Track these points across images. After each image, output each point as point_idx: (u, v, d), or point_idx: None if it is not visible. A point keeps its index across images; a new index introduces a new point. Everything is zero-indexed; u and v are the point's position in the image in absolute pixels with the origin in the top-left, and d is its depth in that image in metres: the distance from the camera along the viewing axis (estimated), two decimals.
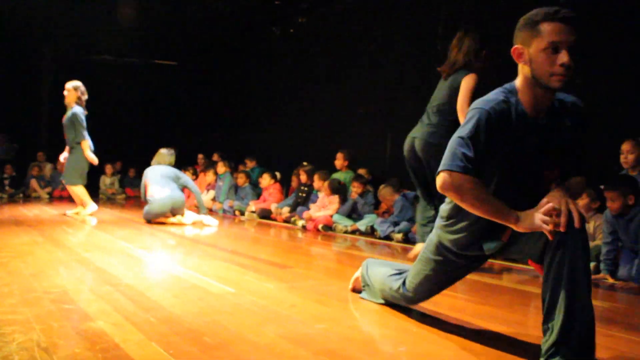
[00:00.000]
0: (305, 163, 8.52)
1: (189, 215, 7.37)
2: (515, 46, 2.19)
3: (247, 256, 4.84)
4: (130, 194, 12.26)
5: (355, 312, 3.00)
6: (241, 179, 9.22)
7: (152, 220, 7.16)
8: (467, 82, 4.32)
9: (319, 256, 5.53)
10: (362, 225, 6.87)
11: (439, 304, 3.33)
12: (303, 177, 8.27)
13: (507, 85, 2.25)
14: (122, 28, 10.93)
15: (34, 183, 11.36)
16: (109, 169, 12.01)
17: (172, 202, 7.16)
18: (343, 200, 7.28)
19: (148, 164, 7.66)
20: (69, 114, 7.65)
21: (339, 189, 7.40)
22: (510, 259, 4.98)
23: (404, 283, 2.80)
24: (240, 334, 2.47)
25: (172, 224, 7.17)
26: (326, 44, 9.34)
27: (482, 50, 4.37)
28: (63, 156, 7.95)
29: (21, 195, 11.19)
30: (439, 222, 2.57)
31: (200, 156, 11.95)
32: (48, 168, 11.74)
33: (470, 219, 2.35)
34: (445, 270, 2.61)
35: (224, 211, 9.15)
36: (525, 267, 5.03)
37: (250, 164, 10.15)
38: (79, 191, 7.70)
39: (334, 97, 9.07)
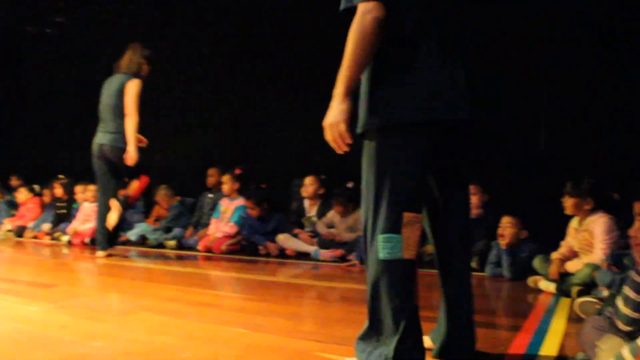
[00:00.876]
0: (61, 176, 7.79)
1: None
2: None
3: (4, 279, 4.33)
4: None
5: (134, 325, 2.87)
6: None
7: None
8: (135, 87, 5.04)
9: (88, 271, 5.16)
10: (132, 235, 6.58)
11: (219, 306, 3.35)
12: (59, 191, 7.60)
13: None
14: None
15: None
16: None
17: None
18: None
19: None
20: None
21: None
22: None
23: None
24: None
25: None
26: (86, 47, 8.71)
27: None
28: None
29: None
30: None
31: None
32: None
33: None
34: None
35: None
36: (299, 262, 5.30)
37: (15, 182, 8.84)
38: None
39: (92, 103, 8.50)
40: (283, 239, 5.65)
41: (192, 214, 6.68)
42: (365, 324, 2.05)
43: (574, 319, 2.95)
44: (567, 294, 3.45)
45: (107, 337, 2.59)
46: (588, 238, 3.64)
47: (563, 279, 3.57)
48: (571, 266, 3.64)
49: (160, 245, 6.30)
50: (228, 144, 7.06)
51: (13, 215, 7.98)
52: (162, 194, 6.83)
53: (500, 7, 5.02)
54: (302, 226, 5.87)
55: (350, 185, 5.69)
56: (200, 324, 2.84)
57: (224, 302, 3.36)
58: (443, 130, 1.99)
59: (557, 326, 2.79)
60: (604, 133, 4.83)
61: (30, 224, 7.54)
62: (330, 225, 5.62)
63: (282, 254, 5.61)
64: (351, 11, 1.89)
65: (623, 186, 4.31)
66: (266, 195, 5.96)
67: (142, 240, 6.51)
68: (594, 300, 2.90)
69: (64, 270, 5.18)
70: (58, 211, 7.50)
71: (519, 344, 2.45)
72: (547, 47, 5.13)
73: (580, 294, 3.27)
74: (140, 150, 5.07)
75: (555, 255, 3.79)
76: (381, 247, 1.95)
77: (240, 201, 6.09)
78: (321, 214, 5.80)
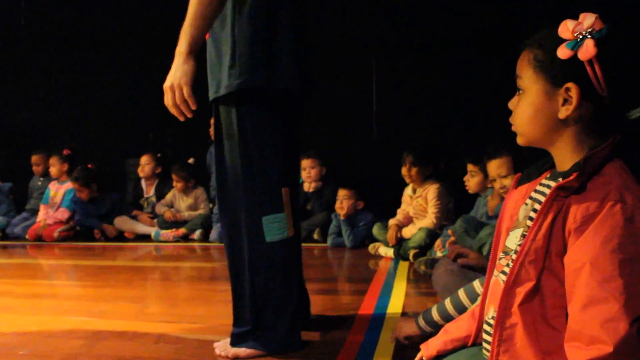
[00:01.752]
0: None
1: None
2: None
3: None
4: None
5: None
6: None
7: None
8: None
9: None
10: None
11: (56, 296, 3.12)
12: None
13: None
14: None
15: None
16: None
17: None
18: None
19: None
20: None
21: None
22: None
23: None
24: None
25: None
26: None
27: None
28: None
29: None
30: None
31: None
32: None
33: None
34: None
35: None
36: (140, 244, 5.09)
37: None
38: None
39: None
40: (121, 221, 5.38)
41: (13, 199, 6.08)
42: (237, 311, 2.00)
43: (413, 280, 3.17)
44: (405, 258, 3.69)
45: None
46: (422, 204, 3.92)
47: (400, 244, 3.81)
48: (407, 232, 3.89)
49: None
50: (53, 123, 6.51)
51: None
52: None
53: None
54: (140, 207, 5.63)
55: (191, 161, 5.55)
56: (35, 317, 2.60)
57: (60, 291, 3.13)
58: (296, 99, 1.98)
59: (399, 287, 2.97)
60: (430, 106, 5.18)
61: None
62: (170, 205, 5.46)
63: (120, 237, 5.35)
64: None
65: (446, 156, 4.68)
66: (93, 175, 5.52)
67: None
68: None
69: None
70: None
71: (367, 306, 2.58)
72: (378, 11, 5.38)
73: (417, 256, 3.51)
74: None
75: (392, 221, 4.03)
76: (267, 229, 1.86)
77: (70, 184, 5.67)
78: (160, 194, 5.61)
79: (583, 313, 0.94)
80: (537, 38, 1.08)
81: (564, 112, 1.04)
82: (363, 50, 5.43)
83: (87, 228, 5.41)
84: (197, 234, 5.14)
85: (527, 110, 1.09)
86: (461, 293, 1.75)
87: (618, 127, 1.04)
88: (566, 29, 1.02)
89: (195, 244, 5.02)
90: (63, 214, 5.49)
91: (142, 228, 5.35)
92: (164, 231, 5.20)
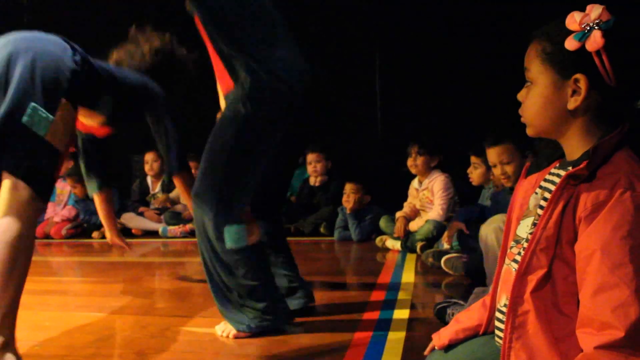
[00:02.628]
0: None
1: None
2: None
3: None
4: None
5: None
6: None
7: None
8: None
9: None
10: None
11: (66, 292, 3.15)
12: None
13: None
14: None
15: None
16: None
17: None
18: None
19: None
20: None
21: None
22: None
23: None
24: None
25: None
26: None
27: None
28: None
29: None
30: None
31: None
32: None
33: None
34: None
35: None
36: (147, 240, 5.11)
37: None
38: None
39: None
40: (128, 218, 5.40)
41: None
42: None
43: (421, 272, 3.19)
44: (413, 250, 3.70)
45: None
46: (428, 196, 3.93)
47: (407, 237, 3.82)
48: (414, 225, 3.90)
49: None
50: None
51: None
52: None
53: None
54: (147, 204, 5.65)
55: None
56: (46, 313, 2.62)
57: (70, 287, 3.15)
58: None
59: (407, 280, 2.99)
60: (433, 100, 5.18)
61: None
62: (177, 201, 5.48)
63: (127, 233, 5.37)
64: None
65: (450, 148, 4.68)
66: None
67: None
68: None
69: None
70: None
71: (375, 298, 2.60)
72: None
73: (424, 248, 3.52)
74: None
75: (399, 214, 4.04)
76: (227, 237, 1.98)
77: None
78: (166, 190, 5.63)
79: (594, 299, 0.95)
80: (544, 30, 1.09)
81: (572, 103, 1.05)
82: (367, 45, 5.44)
83: (94, 225, 5.43)
84: None
85: (536, 101, 1.10)
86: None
87: (626, 116, 1.05)
88: (573, 20, 1.03)
89: None
90: (70, 211, 5.52)
91: (149, 224, 5.37)
92: (171, 227, 5.21)
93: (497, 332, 1.20)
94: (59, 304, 2.82)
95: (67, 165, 5.68)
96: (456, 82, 5.01)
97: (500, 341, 1.13)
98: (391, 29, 5.35)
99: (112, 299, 2.88)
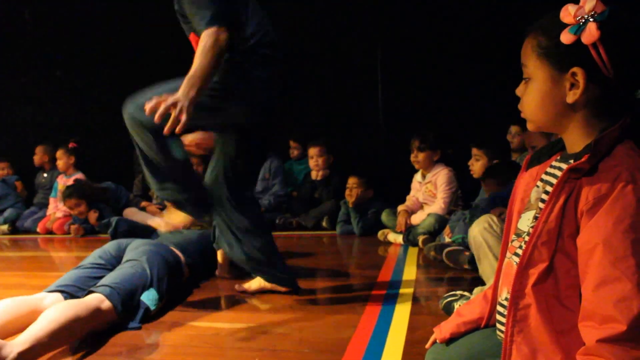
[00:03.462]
0: None
1: None
2: None
3: None
4: None
5: None
6: None
7: None
8: None
9: None
10: None
11: None
12: None
13: None
14: None
15: None
16: None
17: None
18: None
19: None
20: None
21: None
22: None
23: None
24: None
25: None
26: None
27: None
28: None
29: None
30: None
31: None
32: None
33: None
34: None
35: None
36: None
37: None
38: None
39: None
40: (130, 213, 5.40)
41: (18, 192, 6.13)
42: None
43: (423, 266, 3.19)
44: (415, 244, 3.70)
45: None
46: (432, 189, 3.92)
47: (409, 230, 3.82)
48: (415, 218, 3.90)
49: None
50: (58, 117, 6.53)
51: None
52: None
53: None
54: (149, 199, 5.65)
55: None
56: None
57: None
58: None
59: (409, 273, 2.99)
60: (435, 93, 5.17)
61: None
62: None
63: None
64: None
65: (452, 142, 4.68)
66: (83, 191, 5.26)
67: None
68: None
69: None
70: None
71: (377, 292, 2.60)
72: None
73: (426, 242, 3.52)
74: None
75: (401, 208, 4.04)
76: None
77: (78, 176, 5.70)
78: None
79: (596, 293, 0.95)
80: (539, 24, 1.08)
81: (571, 97, 1.04)
82: (368, 39, 5.43)
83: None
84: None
85: (535, 97, 1.09)
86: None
87: (627, 107, 1.05)
88: (568, 13, 1.02)
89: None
90: None
91: (151, 219, 5.37)
92: None
93: (498, 325, 1.20)
94: None
95: (69, 161, 5.69)
96: (458, 75, 4.99)
97: (502, 335, 1.13)
98: (393, 22, 5.33)
99: None
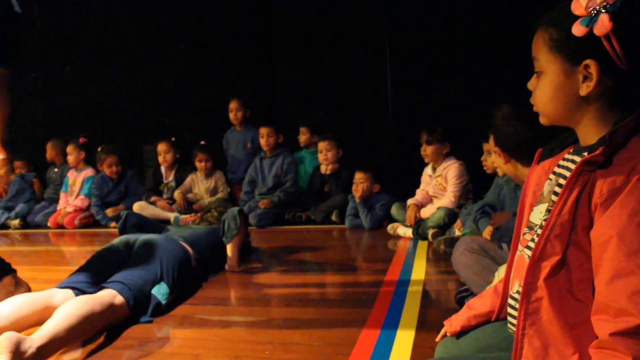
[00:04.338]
0: None
1: None
2: None
3: None
4: None
5: None
6: None
7: None
8: None
9: None
10: None
11: None
12: None
13: None
14: None
15: None
16: None
17: None
18: None
19: None
20: None
21: None
22: None
23: None
24: None
25: None
26: None
27: None
28: None
29: None
30: None
31: None
32: None
33: None
34: None
35: None
36: None
37: None
38: None
39: None
40: (140, 207, 5.42)
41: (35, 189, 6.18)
42: None
43: (432, 259, 3.18)
44: (424, 237, 3.69)
45: None
46: (442, 183, 3.91)
47: (419, 224, 3.81)
48: (425, 212, 3.89)
49: (4, 226, 5.75)
50: (69, 112, 6.57)
51: None
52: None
53: None
54: (159, 193, 5.67)
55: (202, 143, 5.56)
56: None
57: None
58: None
59: (419, 267, 2.98)
60: (445, 87, 5.15)
61: None
62: (189, 190, 5.50)
63: None
64: None
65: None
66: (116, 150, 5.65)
67: None
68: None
69: None
70: None
71: (387, 285, 2.59)
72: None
73: (436, 235, 3.51)
74: None
75: (410, 201, 4.03)
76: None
77: (88, 172, 5.73)
78: (179, 179, 5.64)
79: (610, 286, 0.94)
80: (549, 17, 1.07)
81: (585, 89, 1.03)
82: (377, 32, 5.41)
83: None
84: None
85: (547, 90, 1.08)
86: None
87: None
88: (579, 5, 1.00)
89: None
90: (82, 201, 5.56)
91: (161, 213, 5.39)
92: (183, 216, 5.22)
93: (509, 318, 1.19)
94: None
95: (79, 156, 5.73)
96: (467, 69, 4.97)
97: (513, 327, 1.12)
98: (401, 16, 5.31)
99: None
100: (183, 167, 5.65)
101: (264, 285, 2.80)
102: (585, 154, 1.04)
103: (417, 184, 4.21)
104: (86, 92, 6.46)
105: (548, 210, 1.10)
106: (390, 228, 4.07)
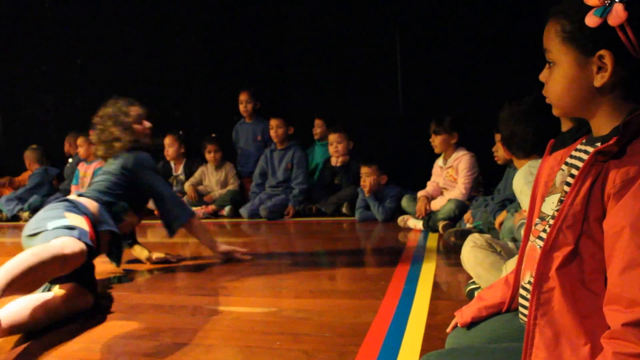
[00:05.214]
0: None
1: None
2: None
3: None
4: None
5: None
6: None
7: None
8: None
9: None
10: None
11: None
12: None
13: None
14: None
15: None
16: None
17: None
18: None
19: None
20: None
21: None
22: None
23: None
24: None
25: None
26: None
27: None
28: None
29: None
30: None
31: None
32: None
33: None
34: None
35: None
36: None
37: None
38: None
39: None
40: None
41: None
42: None
43: (443, 251, 3.17)
44: (435, 229, 3.69)
45: None
46: (452, 174, 3.91)
47: (430, 216, 3.80)
48: (436, 204, 3.88)
49: (16, 218, 5.80)
50: (79, 104, 6.60)
51: None
52: (28, 156, 6.21)
53: None
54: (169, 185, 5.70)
55: (213, 135, 5.58)
56: None
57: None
58: None
59: (430, 259, 2.98)
60: (455, 78, 5.13)
61: None
62: (199, 183, 5.52)
63: (150, 215, 5.41)
64: None
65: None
66: None
67: None
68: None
69: None
70: None
71: (398, 277, 2.59)
72: None
73: (446, 227, 3.50)
74: None
75: (421, 193, 4.02)
76: None
77: (99, 163, 5.75)
78: (189, 171, 5.67)
79: (622, 276, 0.94)
80: (561, 7, 1.05)
81: (599, 80, 1.02)
82: (387, 24, 5.39)
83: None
84: (226, 210, 5.19)
85: (561, 82, 1.07)
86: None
87: None
88: None
89: (225, 220, 5.08)
90: None
91: None
92: (193, 208, 5.24)
93: (521, 309, 1.19)
94: None
95: (90, 148, 5.75)
96: (479, 60, 4.94)
97: (525, 318, 1.12)
98: (411, 8, 5.29)
99: (137, 277, 2.92)
100: (192, 160, 5.67)
101: (274, 276, 2.81)
102: (598, 144, 1.03)
103: (428, 176, 4.20)
104: (97, 84, 6.47)
105: (560, 201, 1.09)
106: (400, 220, 4.07)
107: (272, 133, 5.18)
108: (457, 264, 2.88)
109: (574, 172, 1.08)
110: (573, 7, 1.02)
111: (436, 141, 3.97)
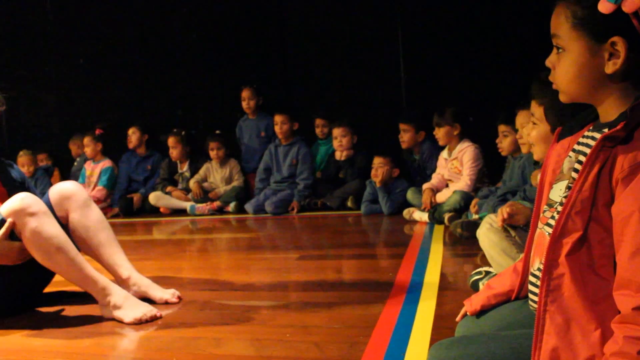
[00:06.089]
0: None
1: None
2: None
3: None
4: None
5: None
6: None
7: None
8: None
9: None
10: None
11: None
12: None
13: None
14: None
15: None
16: None
17: None
18: None
19: None
20: None
21: None
22: None
23: None
24: None
25: None
26: None
27: None
28: None
29: None
30: None
31: None
32: None
33: None
34: None
35: None
36: (176, 218, 5.18)
37: None
38: None
39: None
40: (155, 197, 5.47)
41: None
42: None
43: (449, 243, 3.18)
44: (440, 221, 3.69)
45: None
46: (457, 166, 3.91)
47: (435, 208, 3.81)
48: (441, 196, 3.89)
49: None
50: (83, 105, 6.61)
51: None
52: (22, 160, 6.23)
53: None
54: (174, 183, 5.71)
55: (217, 132, 5.58)
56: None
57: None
58: None
59: (436, 251, 2.99)
60: (458, 71, 5.12)
61: None
62: (204, 180, 5.53)
63: (156, 212, 5.44)
64: None
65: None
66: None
67: None
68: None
69: None
70: None
71: (404, 270, 2.60)
72: None
73: (452, 219, 3.51)
74: None
75: (426, 186, 4.03)
76: None
77: (105, 163, 5.78)
78: (194, 168, 5.68)
79: (632, 261, 0.94)
80: None
81: (611, 67, 1.01)
82: (389, 18, 5.38)
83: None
84: (231, 206, 5.20)
85: (571, 68, 1.06)
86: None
87: None
88: None
89: (230, 216, 5.08)
90: (100, 192, 5.61)
91: (176, 203, 5.43)
92: (199, 205, 5.27)
93: (530, 296, 1.19)
94: None
95: (96, 147, 5.77)
96: (481, 53, 4.94)
97: (535, 305, 1.12)
98: (413, 2, 5.29)
99: (145, 274, 2.91)
100: (197, 157, 5.68)
101: (281, 270, 2.82)
102: (606, 130, 1.03)
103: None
104: (100, 84, 6.49)
105: (568, 188, 1.10)
106: (406, 213, 4.08)
107: (277, 129, 5.18)
108: (464, 254, 2.90)
109: (582, 158, 1.08)
110: None
111: (439, 133, 3.98)
